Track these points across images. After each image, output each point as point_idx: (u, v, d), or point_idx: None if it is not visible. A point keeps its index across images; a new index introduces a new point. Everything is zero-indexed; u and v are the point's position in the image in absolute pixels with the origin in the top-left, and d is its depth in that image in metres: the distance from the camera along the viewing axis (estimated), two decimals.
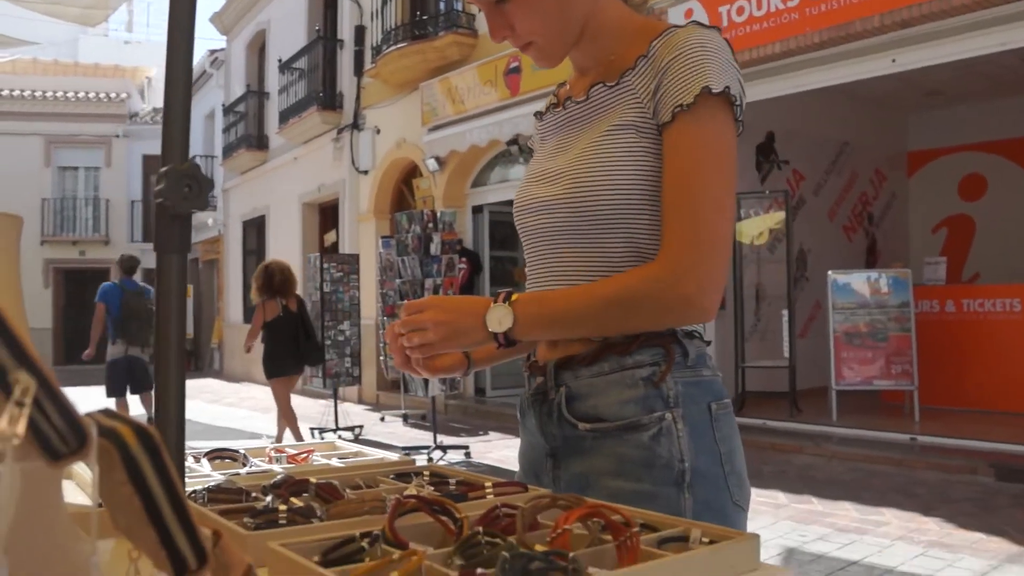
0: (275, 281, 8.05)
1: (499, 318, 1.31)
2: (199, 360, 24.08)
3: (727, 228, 1.30)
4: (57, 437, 0.60)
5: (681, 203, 1.28)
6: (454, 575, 0.88)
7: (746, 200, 9.34)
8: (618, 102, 1.38)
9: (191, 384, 16.96)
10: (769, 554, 4.73)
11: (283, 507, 1.16)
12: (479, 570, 0.86)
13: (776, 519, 5.51)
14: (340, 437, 9.68)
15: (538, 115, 1.60)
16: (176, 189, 1.12)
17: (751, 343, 9.41)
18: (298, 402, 14.29)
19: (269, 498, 1.21)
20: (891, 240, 12.25)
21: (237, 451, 1.65)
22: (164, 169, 1.12)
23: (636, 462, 1.32)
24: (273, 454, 1.69)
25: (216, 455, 1.64)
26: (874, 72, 7.59)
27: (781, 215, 9.22)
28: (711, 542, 1.02)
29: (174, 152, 1.13)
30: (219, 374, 20.83)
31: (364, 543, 1.00)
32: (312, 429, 10.37)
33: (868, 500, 5.93)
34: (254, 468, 1.58)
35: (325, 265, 10.49)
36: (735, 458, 1.37)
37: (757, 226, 9.41)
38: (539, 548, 0.99)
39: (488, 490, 1.29)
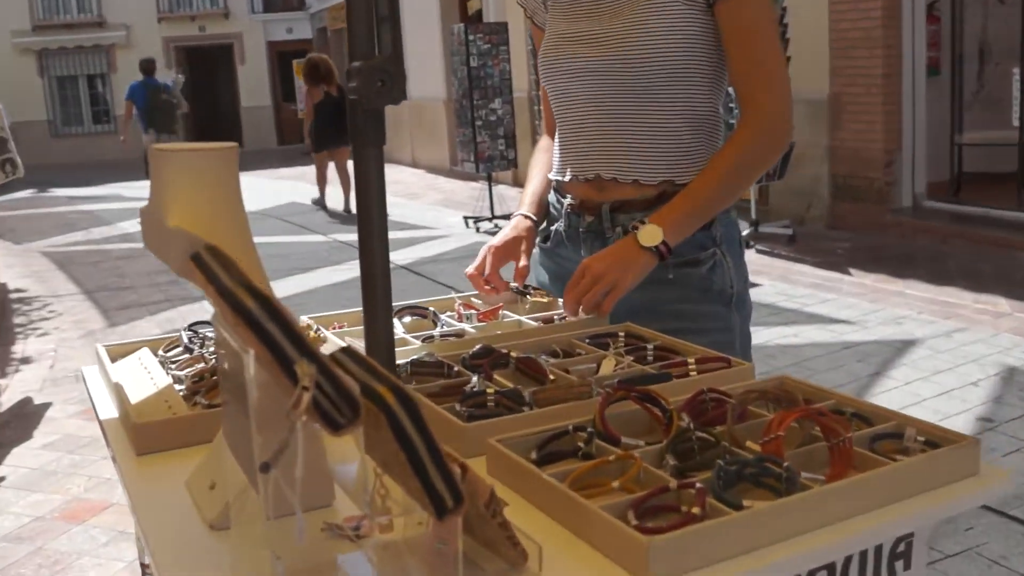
0: (320, 71, 11.67)
1: (650, 234, 1.69)
2: None
3: (787, 72, 1.78)
4: (335, 411, 0.77)
5: (756, 62, 1.73)
6: (673, 484, 1.04)
7: None
8: None
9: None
10: (987, 373, 4.78)
11: (491, 390, 1.34)
12: (697, 484, 1.01)
13: (996, 331, 5.51)
14: (496, 226, 10.08)
15: None
16: (369, 85, 1.24)
17: (971, 114, 9.00)
18: (449, 186, 14.82)
19: (475, 379, 1.40)
20: None
21: (427, 308, 1.84)
22: (355, 65, 1.24)
23: (697, 288, 1.79)
24: (462, 310, 1.87)
25: (407, 312, 1.84)
26: None
27: None
28: (926, 442, 1.14)
29: (361, 47, 1.24)
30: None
31: (580, 441, 1.17)
32: (466, 218, 10.80)
33: None
34: (446, 328, 1.76)
35: (471, 37, 10.52)
36: (748, 284, 1.89)
37: None
38: (751, 446, 1.14)
39: (691, 367, 1.44)
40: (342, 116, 10.88)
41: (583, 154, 1.86)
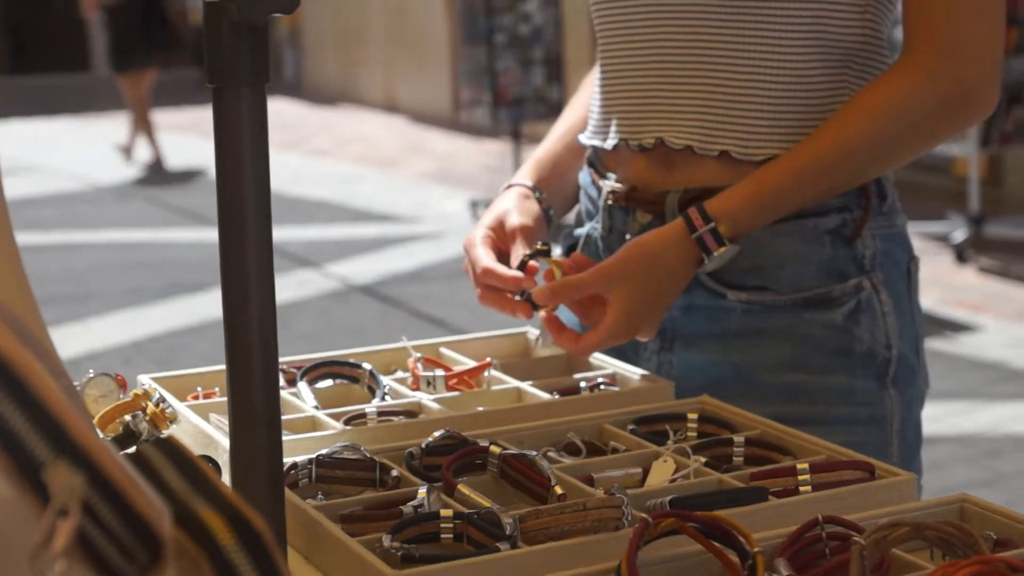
0: None
1: (721, 259, 1.72)
2: None
3: None
4: (119, 553, 0.76)
5: None
6: None
7: None
8: None
9: None
10: None
11: (446, 512, 1.34)
12: None
13: None
14: None
15: None
16: None
17: None
18: (448, 147, 14.72)
19: (423, 492, 1.39)
20: None
21: (359, 367, 1.83)
22: None
23: (824, 348, 1.81)
24: (420, 369, 1.85)
25: (325, 371, 1.84)
26: None
27: None
28: None
29: None
30: (296, 90, 21.66)
31: None
32: (477, 204, 10.77)
33: None
34: (389, 401, 1.76)
35: None
36: (923, 341, 1.91)
37: None
38: None
39: (803, 477, 1.43)
40: (157, 17, 12.81)
41: (639, 105, 1.85)
